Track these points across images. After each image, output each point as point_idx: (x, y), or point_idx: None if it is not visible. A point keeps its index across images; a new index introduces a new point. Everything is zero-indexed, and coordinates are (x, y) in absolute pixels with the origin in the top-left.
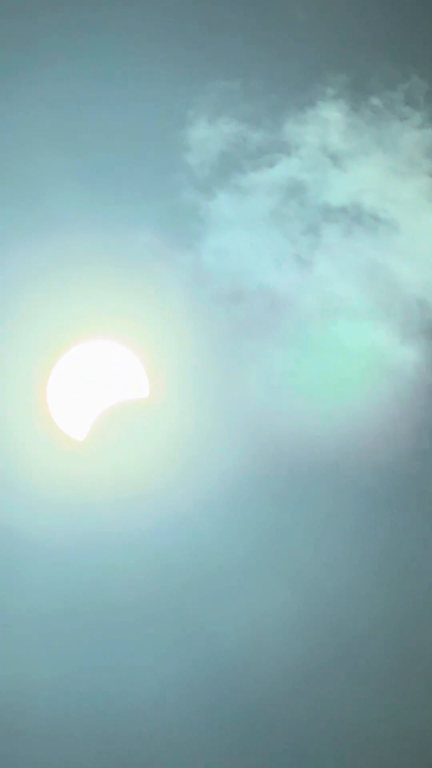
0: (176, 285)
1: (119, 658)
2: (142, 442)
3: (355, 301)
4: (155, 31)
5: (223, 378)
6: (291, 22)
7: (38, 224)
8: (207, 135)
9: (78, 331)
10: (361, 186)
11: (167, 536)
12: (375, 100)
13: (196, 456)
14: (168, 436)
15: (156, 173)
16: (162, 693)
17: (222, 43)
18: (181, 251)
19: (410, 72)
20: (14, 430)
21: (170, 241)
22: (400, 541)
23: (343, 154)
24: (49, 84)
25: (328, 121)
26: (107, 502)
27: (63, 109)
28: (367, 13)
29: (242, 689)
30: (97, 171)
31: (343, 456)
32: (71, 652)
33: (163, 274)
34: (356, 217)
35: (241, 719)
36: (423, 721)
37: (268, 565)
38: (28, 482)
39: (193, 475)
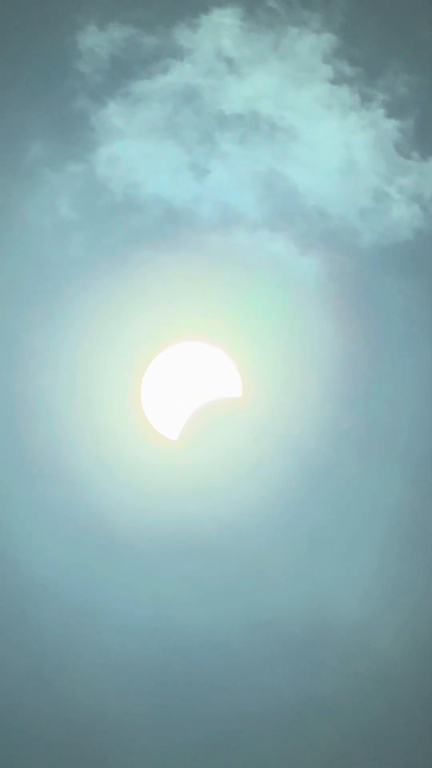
0: (68, 196)
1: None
2: (233, 441)
3: (253, 210)
4: None
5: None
6: None
7: None
8: (97, 41)
9: (171, 334)
10: (257, 93)
11: (251, 523)
12: (271, 3)
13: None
14: (258, 433)
15: (45, 81)
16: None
17: None
18: (72, 161)
19: None
20: (111, 429)
21: (61, 151)
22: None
23: (238, 60)
24: None
25: (222, 26)
26: (198, 495)
27: None
28: None
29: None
30: None
31: None
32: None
33: (58, 186)
34: (253, 125)
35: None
36: None
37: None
38: (124, 477)
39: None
